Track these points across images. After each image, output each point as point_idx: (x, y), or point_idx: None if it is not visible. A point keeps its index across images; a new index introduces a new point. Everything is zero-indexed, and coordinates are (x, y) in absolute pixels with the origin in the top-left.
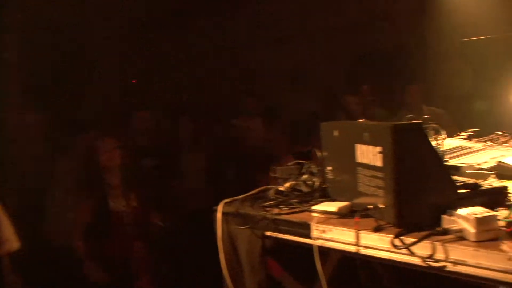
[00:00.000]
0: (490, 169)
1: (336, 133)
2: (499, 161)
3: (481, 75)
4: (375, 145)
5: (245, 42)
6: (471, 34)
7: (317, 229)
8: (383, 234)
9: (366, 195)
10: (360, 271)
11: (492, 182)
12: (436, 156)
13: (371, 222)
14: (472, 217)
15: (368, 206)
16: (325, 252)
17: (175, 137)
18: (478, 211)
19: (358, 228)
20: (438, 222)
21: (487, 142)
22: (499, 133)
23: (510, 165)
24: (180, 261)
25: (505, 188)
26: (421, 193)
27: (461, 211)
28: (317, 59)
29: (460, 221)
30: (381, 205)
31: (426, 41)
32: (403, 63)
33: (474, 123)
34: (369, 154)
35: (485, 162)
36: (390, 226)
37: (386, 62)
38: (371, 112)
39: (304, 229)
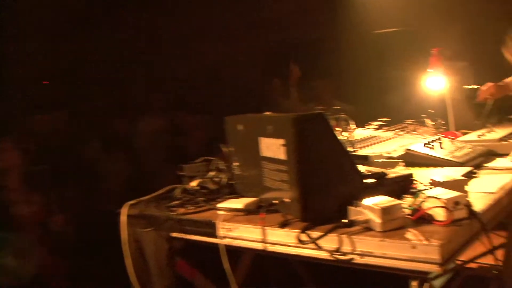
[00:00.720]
0: (399, 157)
1: (240, 127)
2: (407, 149)
3: (391, 67)
4: (278, 137)
5: (163, 38)
6: (382, 27)
7: (223, 228)
8: (290, 229)
9: (272, 189)
10: (276, 268)
11: (399, 170)
12: (341, 147)
13: (278, 217)
14: (377, 207)
15: (274, 201)
16: (238, 250)
17: (84, 137)
18: (383, 200)
19: (264, 224)
20: (345, 214)
21: (397, 130)
22: (408, 121)
23: (417, 152)
24: (93, 266)
25: (410, 175)
26: (327, 185)
27: (367, 201)
28: (233, 55)
29: (366, 211)
30: (286, 199)
31: (339, 35)
32: (316, 57)
33: (386, 113)
34: (273, 148)
35: (394, 151)
36: (297, 221)
37: (300, 56)
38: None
39: (209, 228)
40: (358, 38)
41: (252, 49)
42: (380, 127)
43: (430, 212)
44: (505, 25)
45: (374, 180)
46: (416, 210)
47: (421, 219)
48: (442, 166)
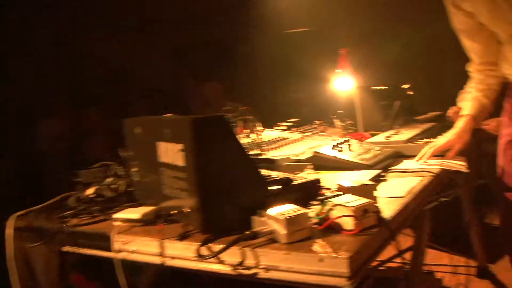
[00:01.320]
0: (307, 160)
1: (138, 130)
2: (315, 152)
3: (301, 66)
4: (176, 142)
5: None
6: (292, 26)
7: (118, 241)
8: (189, 242)
9: (171, 198)
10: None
11: (307, 174)
12: (243, 152)
13: (178, 228)
14: (281, 217)
15: (173, 211)
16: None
17: None
18: (289, 209)
19: (162, 237)
20: (249, 224)
21: (306, 132)
22: (318, 122)
23: (325, 155)
24: None
25: (318, 181)
26: (228, 194)
27: (271, 211)
28: (141, 52)
29: (271, 222)
30: (186, 209)
31: (248, 34)
32: (219, 57)
33: (296, 114)
34: (171, 153)
35: (303, 153)
36: (197, 232)
37: (205, 57)
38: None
39: (104, 241)
40: (270, 38)
41: (161, 47)
42: (289, 128)
43: (338, 221)
44: (410, 28)
45: (279, 187)
46: (323, 219)
47: (329, 228)
48: (351, 169)
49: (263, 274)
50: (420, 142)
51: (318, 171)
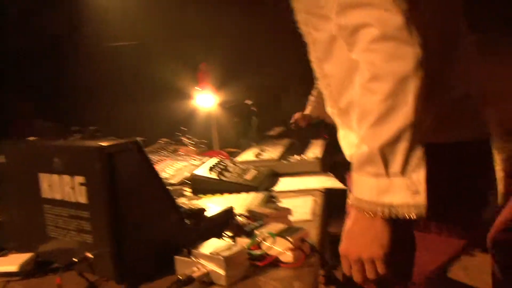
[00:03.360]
0: (182, 182)
1: (1, 158)
2: (194, 174)
3: (133, 80)
4: (72, 174)
5: None
6: (119, 39)
7: None
8: None
9: (62, 241)
10: None
11: (191, 200)
12: (160, 181)
13: (79, 279)
14: (219, 257)
15: (74, 259)
16: None
17: None
18: (220, 246)
19: None
20: (169, 267)
21: (160, 152)
22: (162, 140)
23: (207, 177)
24: None
25: (231, 209)
26: (145, 232)
27: (202, 249)
28: None
29: (203, 262)
30: (89, 255)
31: (76, 47)
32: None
33: (139, 132)
34: (62, 187)
35: (173, 176)
36: (107, 281)
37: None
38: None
39: None
40: (97, 50)
41: None
42: None
43: (275, 253)
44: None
45: (193, 220)
46: (261, 255)
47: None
48: (234, 191)
49: None
50: (292, 159)
51: (200, 196)
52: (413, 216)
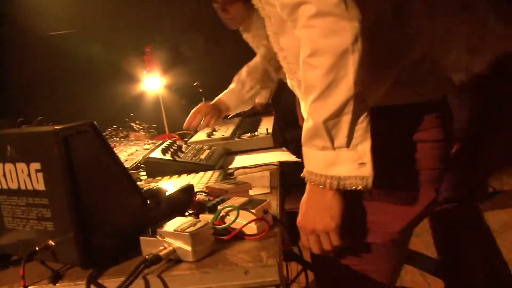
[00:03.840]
0: (136, 167)
1: None
2: (148, 157)
3: (76, 69)
4: (27, 161)
5: None
6: (55, 28)
7: None
8: (68, 283)
9: (20, 231)
10: None
11: (148, 183)
12: (118, 163)
13: (43, 268)
14: (185, 233)
15: (37, 248)
16: None
17: None
18: (184, 223)
19: (26, 284)
20: (134, 247)
21: (110, 139)
22: (112, 127)
23: (162, 160)
24: None
25: (192, 187)
26: (107, 214)
27: (166, 227)
28: None
29: (169, 240)
30: (51, 242)
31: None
32: None
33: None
34: (19, 176)
35: (126, 161)
36: (72, 268)
37: None
38: None
39: None
40: (32, 40)
41: None
42: None
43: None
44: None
45: (155, 200)
46: (225, 229)
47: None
48: (190, 171)
49: None
50: (245, 136)
51: (158, 178)
52: (360, 187)
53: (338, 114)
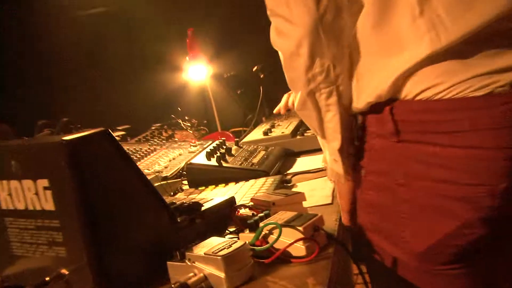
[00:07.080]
0: (178, 175)
1: None
2: (190, 163)
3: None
4: (35, 177)
5: None
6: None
7: None
8: None
9: (33, 260)
10: None
11: (190, 195)
12: (140, 175)
13: None
14: (216, 257)
15: (46, 278)
16: None
17: None
18: (219, 244)
19: None
20: (160, 272)
21: (152, 141)
22: (156, 126)
23: (206, 165)
24: None
25: (233, 200)
26: (127, 235)
27: (197, 251)
28: None
29: (199, 265)
30: (64, 271)
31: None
32: None
33: (122, 119)
34: (25, 194)
35: (166, 167)
36: None
37: None
38: None
39: None
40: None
41: None
42: (123, 139)
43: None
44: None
45: (188, 216)
46: (268, 250)
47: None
48: (239, 179)
49: None
50: (309, 133)
51: (200, 189)
52: (332, 181)
53: (304, 108)
